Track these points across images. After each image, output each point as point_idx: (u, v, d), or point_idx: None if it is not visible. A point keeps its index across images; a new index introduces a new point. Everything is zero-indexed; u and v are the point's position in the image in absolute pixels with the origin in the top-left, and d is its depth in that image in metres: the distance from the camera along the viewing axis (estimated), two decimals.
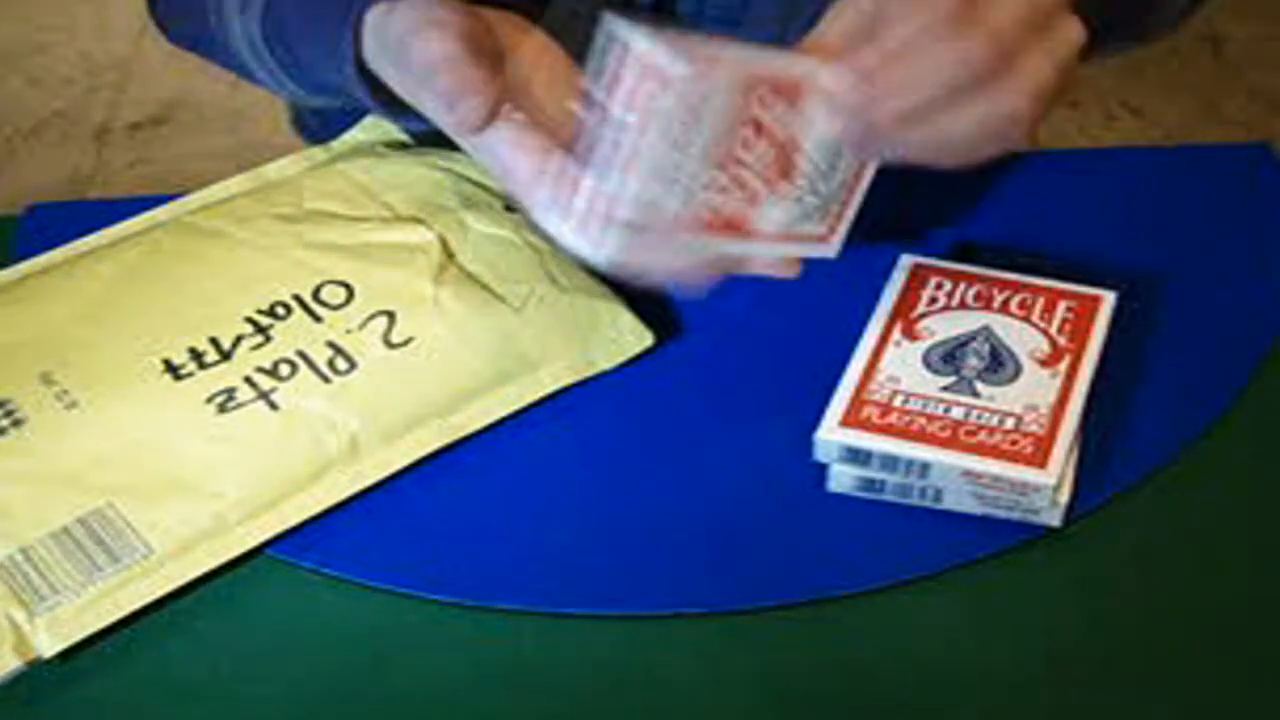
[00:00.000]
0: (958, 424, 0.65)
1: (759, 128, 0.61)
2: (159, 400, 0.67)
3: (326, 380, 0.68)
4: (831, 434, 0.65)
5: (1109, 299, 0.72)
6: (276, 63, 0.74)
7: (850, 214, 0.65)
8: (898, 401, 0.67)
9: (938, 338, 0.70)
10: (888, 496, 0.67)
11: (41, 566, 0.62)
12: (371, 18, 0.65)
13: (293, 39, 0.71)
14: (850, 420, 0.66)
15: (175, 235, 0.76)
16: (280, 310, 0.71)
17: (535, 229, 0.75)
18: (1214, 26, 2.22)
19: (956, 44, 0.55)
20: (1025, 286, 0.72)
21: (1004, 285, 0.72)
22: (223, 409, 0.67)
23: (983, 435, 0.65)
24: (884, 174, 0.65)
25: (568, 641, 0.63)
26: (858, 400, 0.67)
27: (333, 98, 0.74)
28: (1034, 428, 0.65)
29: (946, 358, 0.69)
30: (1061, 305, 0.71)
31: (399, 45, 0.62)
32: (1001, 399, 0.67)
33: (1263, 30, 2.25)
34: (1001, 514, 0.66)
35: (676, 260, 0.60)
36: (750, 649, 0.62)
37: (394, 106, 0.69)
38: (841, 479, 0.67)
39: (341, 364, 0.69)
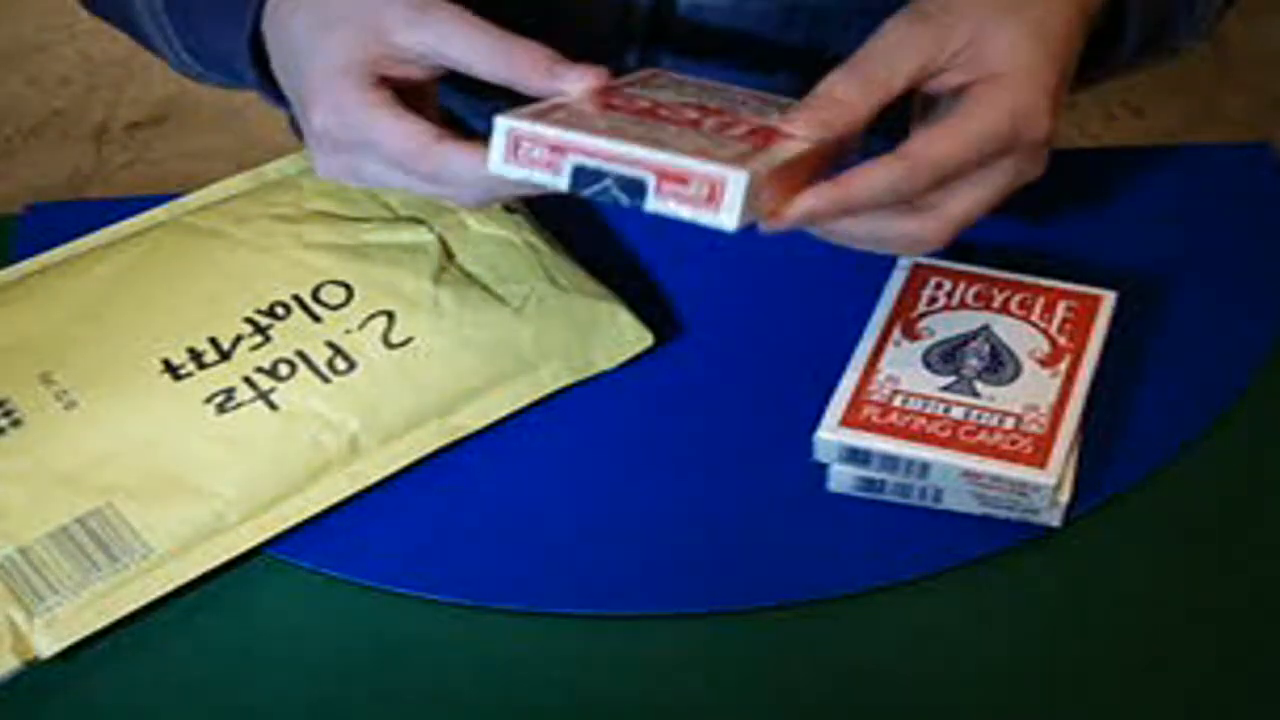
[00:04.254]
0: (958, 424, 0.65)
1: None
2: (158, 400, 0.67)
3: (326, 380, 0.68)
4: (831, 434, 0.65)
5: (1109, 299, 0.72)
6: (176, 35, 0.74)
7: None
8: (898, 401, 0.66)
9: (938, 337, 0.70)
10: (888, 496, 0.67)
11: (40, 566, 0.62)
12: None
13: (194, 11, 0.71)
14: (850, 420, 0.66)
15: (175, 235, 0.76)
16: (279, 310, 0.71)
17: (535, 229, 0.76)
18: None
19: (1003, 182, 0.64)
20: (1025, 286, 0.72)
21: (1004, 285, 0.72)
22: (222, 409, 0.67)
23: (983, 435, 0.65)
24: None
25: (568, 641, 0.63)
26: (858, 400, 0.67)
27: (230, 77, 0.74)
28: (1034, 428, 0.65)
29: (946, 357, 0.69)
30: (1061, 305, 0.71)
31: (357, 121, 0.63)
32: (1001, 399, 0.67)
33: (1263, 30, 2.25)
34: (1001, 514, 0.66)
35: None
36: (750, 649, 0.62)
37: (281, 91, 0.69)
38: (841, 479, 0.67)
39: (341, 364, 0.69)
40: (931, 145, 0.61)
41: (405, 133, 0.61)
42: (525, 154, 0.58)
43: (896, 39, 0.63)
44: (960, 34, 0.62)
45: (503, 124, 0.58)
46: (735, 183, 0.55)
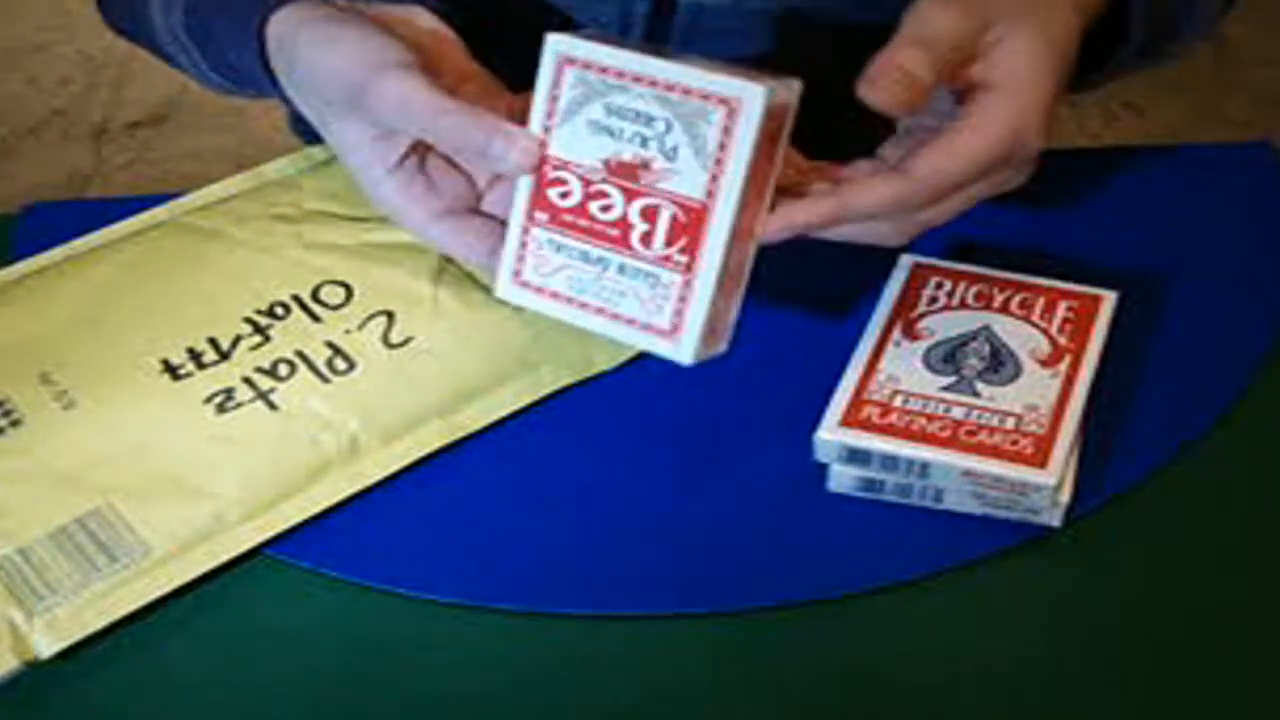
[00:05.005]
0: (958, 424, 0.65)
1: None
2: (157, 400, 0.67)
3: (326, 380, 0.68)
4: (831, 434, 0.65)
5: (1109, 299, 0.72)
6: (202, 56, 0.74)
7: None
8: (898, 401, 0.66)
9: (938, 337, 0.70)
10: (888, 496, 0.67)
11: (40, 567, 0.62)
12: (279, 28, 0.66)
13: (216, 34, 0.71)
14: (850, 420, 0.66)
15: (174, 235, 0.76)
16: (279, 310, 0.71)
17: None
18: None
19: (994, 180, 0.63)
20: (1025, 286, 0.72)
21: (1004, 285, 0.72)
22: (221, 409, 0.67)
23: (983, 435, 0.65)
24: None
25: (568, 641, 0.63)
26: (858, 400, 0.67)
27: (259, 92, 0.74)
28: (1034, 428, 0.65)
29: (947, 358, 0.69)
30: (1061, 305, 0.71)
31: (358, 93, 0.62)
32: (1002, 399, 0.66)
33: (1263, 29, 2.25)
34: (1001, 514, 0.66)
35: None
36: (750, 649, 0.62)
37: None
38: (841, 479, 0.67)
39: (341, 364, 0.69)
40: (939, 164, 0.61)
41: (415, 212, 0.64)
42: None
43: (942, 21, 0.62)
44: (993, 29, 0.62)
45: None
46: (685, 354, 0.62)
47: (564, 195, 0.61)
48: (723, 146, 0.59)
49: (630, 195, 0.61)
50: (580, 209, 0.61)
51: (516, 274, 0.63)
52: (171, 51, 0.76)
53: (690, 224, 0.60)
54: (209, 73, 0.75)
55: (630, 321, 0.62)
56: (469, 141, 0.60)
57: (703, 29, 0.81)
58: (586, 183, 0.61)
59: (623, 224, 0.61)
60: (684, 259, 0.60)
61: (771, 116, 0.59)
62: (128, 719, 0.61)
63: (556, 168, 0.61)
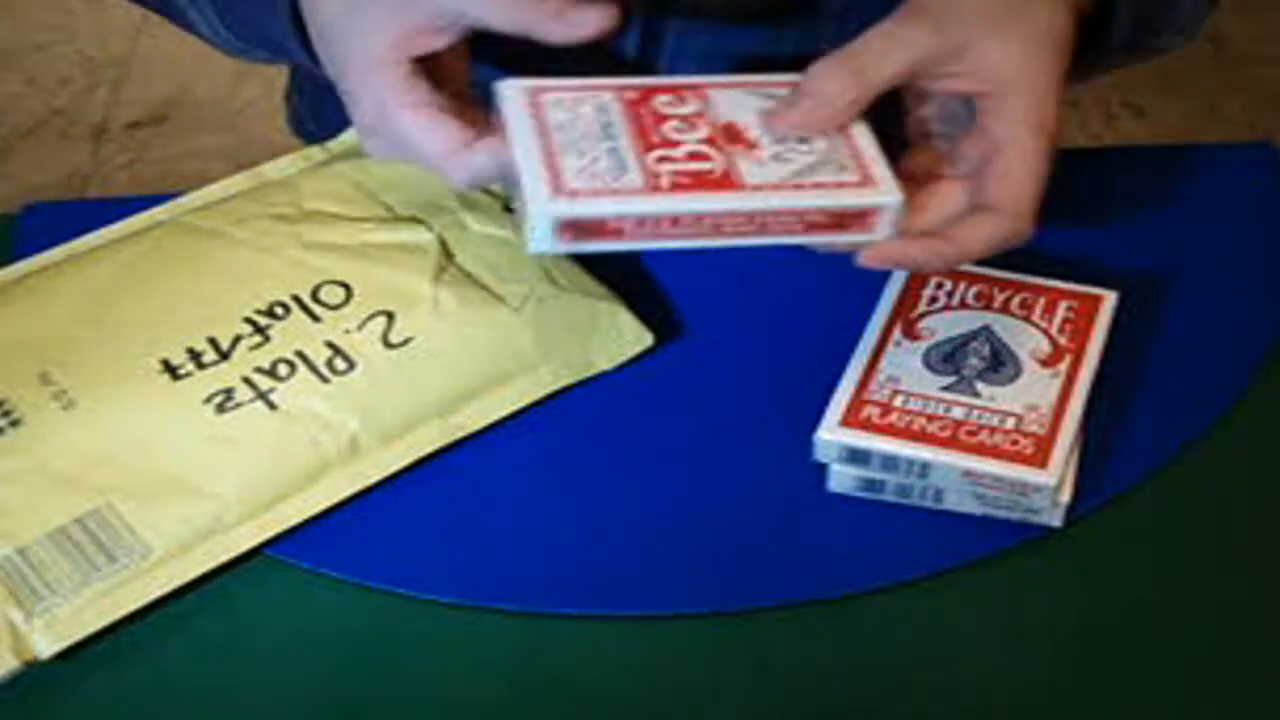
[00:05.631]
0: (958, 424, 0.65)
1: (684, 118, 0.62)
2: (157, 400, 0.67)
3: (325, 380, 0.68)
4: (831, 434, 0.65)
5: (1109, 299, 0.72)
6: (216, 14, 0.73)
7: (876, 160, 0.62)
8: (898, 401, 0.66)
9: (938, 337, 0.70)
10: (888, 496, 0.67)
11: (39, 567, 0.62)
12: None
13: None
14: (850, 420, 0.66)
15: (174, 235, 0.76)
16: (279, 310, 0.71)
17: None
18: (1214, 26, 2.22)
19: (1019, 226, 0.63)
20: (1025, 286, 0.72)
21: (1004, 285, 0.72)
22: (221, 409, 0.67)
23: (983, 435, 0.65)
24: None
25: (568, 642, 0.63)
26: (858, 400, 0.67)
27: (270, 54, 0.74)
28: (1034, 428, 0.65)
29: (947, 358, 0.69)
30: (1062, 305, 0.71)
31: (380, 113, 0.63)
32: (1002, 399, 0.66)
33: (1263, 30, 2.25)
34: (1001, 514, 0.66)
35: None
36: (751, 649, 0.62)
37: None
38: (841, 479, 0.67)
39: (340, 364, 0.69)
40: (1025, 189, 0.62)
41: (438, 140, 0.63)
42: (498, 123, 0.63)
43: (890, 35, 0.63)
44: (955, 38, 0.62)
45: (497, 87, 0.63)
46: (538, 216, 0.58)
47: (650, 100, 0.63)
48: None
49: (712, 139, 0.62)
50: (642, 110, 0.63)
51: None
52: (186, 11, 0.75)
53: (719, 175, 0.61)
54: (220, 29, 0.74)
55: (534, 164, 0.60)
56: (539, 18, 0.61)
57: (699, 24, 0.81)
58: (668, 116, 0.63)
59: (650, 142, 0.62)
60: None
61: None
62: (128, 719, 0.61)
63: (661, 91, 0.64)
